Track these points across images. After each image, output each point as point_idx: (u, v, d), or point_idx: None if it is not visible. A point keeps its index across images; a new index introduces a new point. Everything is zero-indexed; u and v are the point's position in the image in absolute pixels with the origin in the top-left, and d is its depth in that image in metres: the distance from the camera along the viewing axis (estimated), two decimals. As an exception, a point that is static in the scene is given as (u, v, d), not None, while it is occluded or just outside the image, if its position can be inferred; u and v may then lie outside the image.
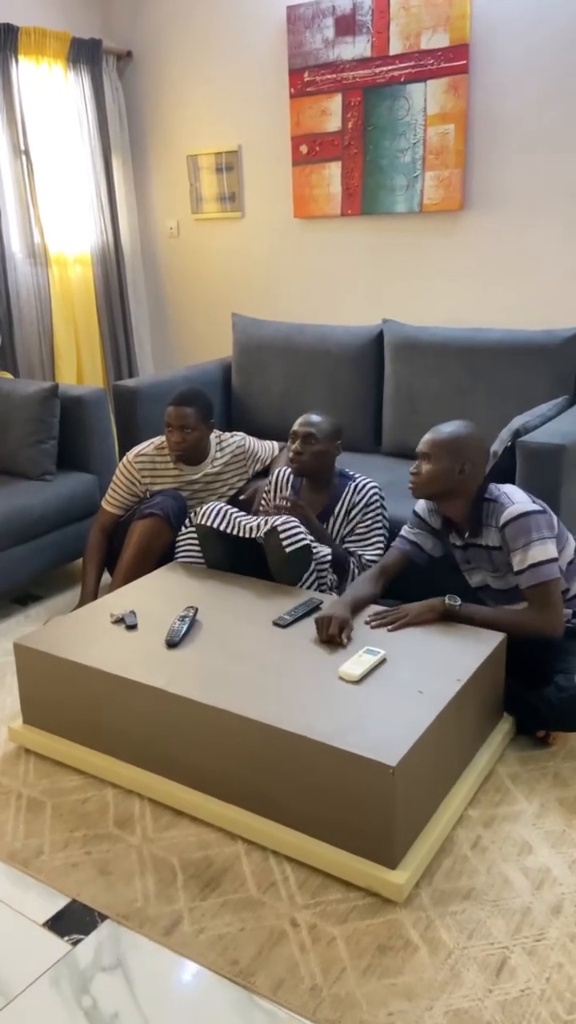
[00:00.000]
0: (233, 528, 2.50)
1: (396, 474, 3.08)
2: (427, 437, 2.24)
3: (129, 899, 1.76)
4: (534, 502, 2.17)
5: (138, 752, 2.08)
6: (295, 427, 2.64)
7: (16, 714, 2.38)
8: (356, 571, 2.56)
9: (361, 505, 2.63)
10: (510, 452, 2.53)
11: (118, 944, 1.66)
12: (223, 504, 2.58)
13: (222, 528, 2.51)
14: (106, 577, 2.98)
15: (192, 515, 2.66)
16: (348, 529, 2.64)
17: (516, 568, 2.13)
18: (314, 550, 2.47)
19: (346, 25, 3.42)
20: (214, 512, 2.53)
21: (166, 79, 4.07)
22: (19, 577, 3.08)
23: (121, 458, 3.04)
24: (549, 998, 1.50)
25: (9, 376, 3.75)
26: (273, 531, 2.42)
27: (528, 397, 2.98)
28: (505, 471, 2.53)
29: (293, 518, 2.47)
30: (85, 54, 3.90)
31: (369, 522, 2.63)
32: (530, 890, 1.75)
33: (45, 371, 4.01)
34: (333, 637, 2.12)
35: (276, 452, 3.13)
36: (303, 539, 2.42)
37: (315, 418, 2.64)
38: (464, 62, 3.20)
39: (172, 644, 2.16)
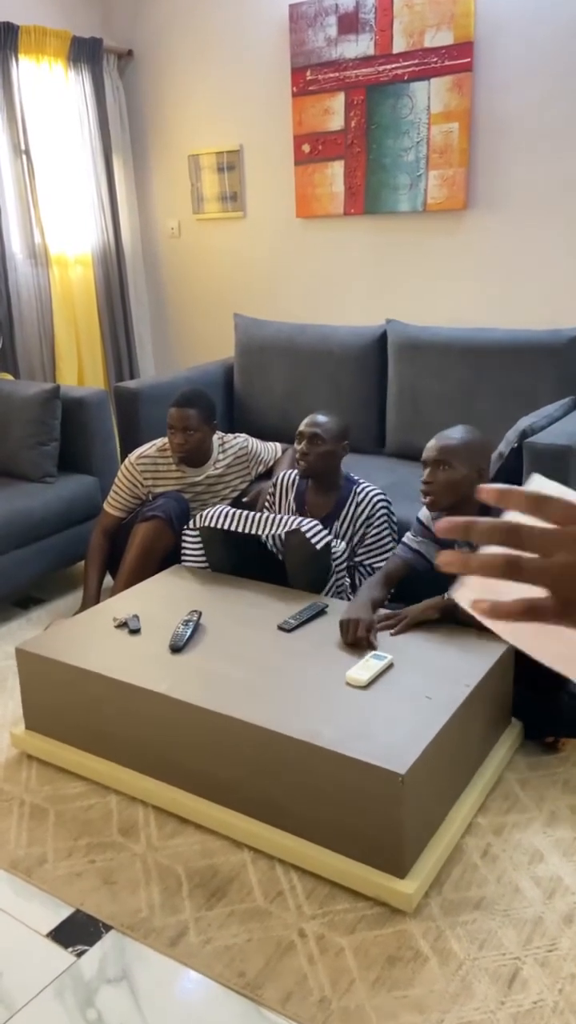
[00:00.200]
0: (238, 525, 2.46)
1: (400, 475, 3.06)
2: (437, 445, 2.19)
3: (134, 909, 1.74)
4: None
5: (142, 758, 2.05)
6: (301, 427, 2.61)
7: (18, 719, 2.35)
8: (361, 580, 2.54)
9: (368, 516, 2.60)
10: (517, 453, 2.51)
11: (123, 955, 1.63)
12: (226, 507, 2.55)
13: (227, 527, 2.48)
14: (108, 580, 2.96)
15: (194, 520, 2.63)
16: (356, 540, 2.61)
17: None
18: (332, 548, 2.45)
19: (349, 23, 3.39)
20: (219, 514, 2.51)
21: (167, 78, 4.04)
22: (20, 580, 3.05)
23: (123, 460, 3.01)
24: (562, 1010, 1.48)
25: (10, 377, 3.73)
26: (296, 531, 2.39)
27: (533, 397, 2.96)
28: (512, 472, 2.50)
29: (311, 519, 2.44)
30: (86, 53, 3.88)
31: (376, 533, 2.60)
32: (541, 899, 1.72)
33: (46, 372, 3.98)
34: (361, 640, 2.10)
35: (279, 454, 3.10)
36: (327, 536, 2.40)
37: (321, 418, 2.61)
38: (468, 60, 3.17)
39: (176, 649, 2.13)
